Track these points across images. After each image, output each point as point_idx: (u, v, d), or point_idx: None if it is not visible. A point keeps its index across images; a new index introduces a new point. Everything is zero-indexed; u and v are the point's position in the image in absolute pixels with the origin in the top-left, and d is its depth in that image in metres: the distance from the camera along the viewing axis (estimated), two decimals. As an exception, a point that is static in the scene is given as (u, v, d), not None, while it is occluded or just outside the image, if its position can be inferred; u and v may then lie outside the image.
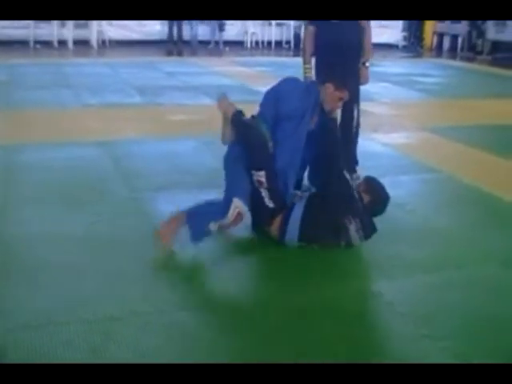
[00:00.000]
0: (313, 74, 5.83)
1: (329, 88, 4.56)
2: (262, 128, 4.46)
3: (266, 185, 4.33)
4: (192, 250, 4.42)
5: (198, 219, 4.29)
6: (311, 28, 5.83)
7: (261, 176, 4.31)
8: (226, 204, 4.26)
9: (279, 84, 4.66)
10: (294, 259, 4.30)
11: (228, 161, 4.54)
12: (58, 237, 4.50)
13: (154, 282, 3.90)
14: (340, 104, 4.73)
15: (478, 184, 6.06)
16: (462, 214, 5.34)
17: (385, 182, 4.67)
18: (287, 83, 4.64)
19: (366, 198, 4.48)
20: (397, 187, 4.67)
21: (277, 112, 4.47)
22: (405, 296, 3.87)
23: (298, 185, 4.78)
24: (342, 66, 5.68)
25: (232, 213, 4.22)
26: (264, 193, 4.34)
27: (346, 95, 4.66)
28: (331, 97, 4.58)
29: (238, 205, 4.23)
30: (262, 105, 4.61)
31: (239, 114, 4.54)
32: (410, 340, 3.40)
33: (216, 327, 3.48)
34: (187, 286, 3.93)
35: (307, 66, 5.86)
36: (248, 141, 4.43)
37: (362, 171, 6.10)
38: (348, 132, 5.96)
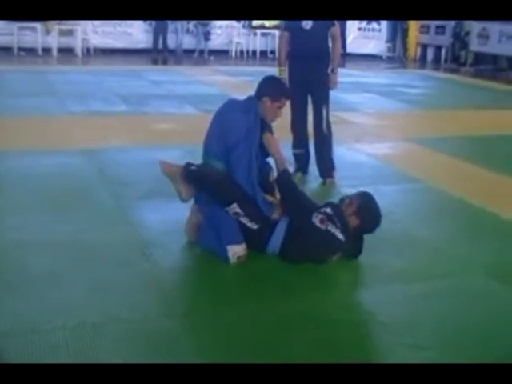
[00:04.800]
0: (286, 76, 6.26)
1: (266, 102, 4.65)
2: (214, 164, 4.60)
3: (242, 213, 4.38)
4: (177, 259, 4.47)
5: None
6: (286, 34, 6.29)
7: (234, 208, 4.37)
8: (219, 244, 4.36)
9: (221, 114, 4.72)
10: (275, 269, 4.31)
11: (202, 204, 4.60)
12: (42, 244, 4.49)
13: (138, 290, 3.90)
14: (280, 112, 4.78)
15: (460, 194, 6.10)
16: (444, 224, 5.37)
17: (367, 191, 4.70)
18: (227, 113, 4.69)
19: (355, 222, 4.38)
20: (379, 197, 4.68)
21: (225, 143, 4.55)
22: (386, 306, 3.88)
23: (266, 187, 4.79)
24: (311, 70, 6.14)
25: (233, 259, 4.31)
26: (244, 220, 4.38)
27: (283, 102, 4.75)
28: (270, 109, 4.67)
29: (236, 251, 4.32)
30: (207, 142, 4.70)
31: (187, 166, 4.60)
32: (391, 349, 3.41)
33: (199, 336, 3.48)
34: (172, 295, 3.93)
35: (282, 68, 6.31)
36: (207, 184, 4.49)
37: (345, 181, 6.16)
38: (319, 133, 6.36)
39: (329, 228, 4.30)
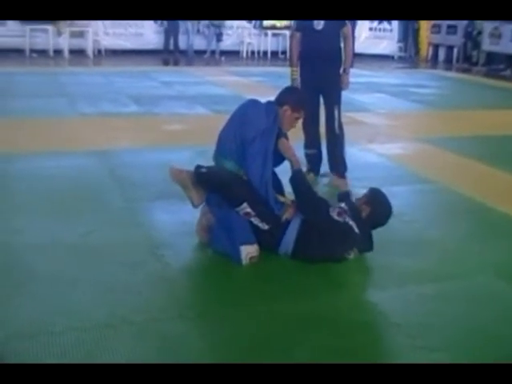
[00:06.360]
0: (298, 77, 6.24)
1: (287, 111, 4.65)
2: (226, 165, 4.56)
3: (253, 213, 4.36)
4: (188, 261, 4.47)
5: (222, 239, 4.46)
6: (297, 34, 6.26)
7: (244, 208, 4.35)
8: (231, 244, 4.37)
9: (242, 109, 4.71)
10: (288, 270, 4.30)
11: (213, 206, 4.58)
12: (52, 246, 4.49)
13: (149, 292, 3.90)
14: (296, 123, 4.86)
15: (472, 195, 6.07)
16: (456, 225, 5.34)
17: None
18: (249, 108, 4.68)
19: (366, 210, 4.48)
20: (392, 198, 4.66)
21: (242, 138, 4.51)
22: (399, 306, 3.87)
23: (278, 187, 4.77)
24: (323, 70, 6.09)
25: (245, 260, 4.30)
26: (255, 220, 4.37)
27: (302, 114, 4.81)
28: (289, 119, 4.70)
29: (249, 251, 4.32)
30: (222, 138, 4.66)
31: (197, 169, 4.59)
32: (404, 351, 3.40)
33: (211, 338, 3.47)
34: (184, 296, 3.92)
35: (294, 69, 6.28)
36: (217, 184, 4.47)
37: (357, 182, 6.13)
38: (331, 133, 6.35)
39: (346, 220, 4.35)
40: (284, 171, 4.71)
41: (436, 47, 21.49)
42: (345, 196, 4.74)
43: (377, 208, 4.53)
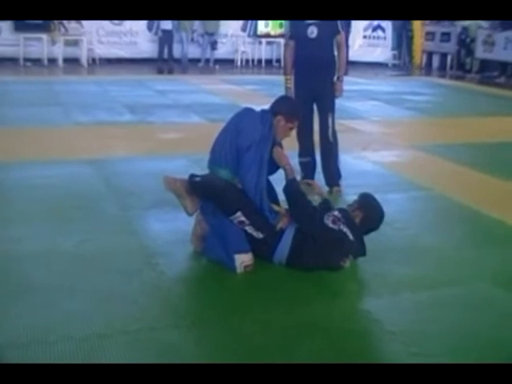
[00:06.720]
0: (292, 85, 6.24)
1: (280, 121, 4.65)
2: (221, 173, 4.56)
3: (247, 222, 4.37)
4: (183, 269, 4.46)
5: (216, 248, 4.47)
6: (291, 43, 6.27)
7: (239, 217, 4.36)
8: (226, 252, 4.36)
9: (237, 118, 4.71)
10: (282, 278, 4.30)
11: (207, 214, 4.58)
12: (47, 255, 4.48)
13: (144, 300, 3.89)
14: (290, 133, 4.86)
15: (467, 202, 6.08)
16: (451, 232, 5.35)
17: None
18: (244, 116, 4.69)
19: (359, 216, 4.49)
20: (386, 205, 4.68)
21: (237, 147, 4.51)
22: (394, 314, 3.87)
23: (272, 196, 4.78)
24: (317, 78, 6.11)
25: (240, 268, 4.30)
26: (249, 229, 4.38)
27: (295, 124, 4.82)
28: (283, 129, 4.69)
29: (243, 260, 4.32)
30: (217, 147, 4.65)
31: (191, 178, 4.59)
32: (399, 358, 3.39)
33: (206, 346, 3.47)
34: (178, 305, 3.91)
35: (288, 77, 6.29)
36: (211, 193, 4.47)
37: (352, 189, 6.13)
38: (325, 141, 6.36)
39: (341, 227, 4.35)
40: (278, 180, 4.72)
41: (430, 55, 21.58)
42: (326, 204, 4.71)
43: (369, 213, 4.55)
